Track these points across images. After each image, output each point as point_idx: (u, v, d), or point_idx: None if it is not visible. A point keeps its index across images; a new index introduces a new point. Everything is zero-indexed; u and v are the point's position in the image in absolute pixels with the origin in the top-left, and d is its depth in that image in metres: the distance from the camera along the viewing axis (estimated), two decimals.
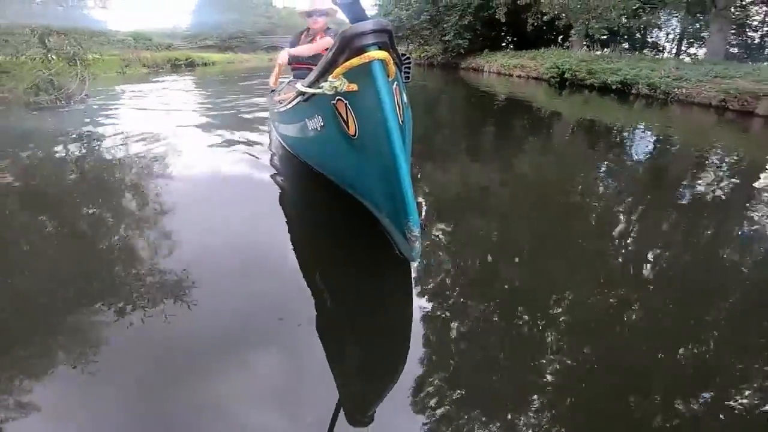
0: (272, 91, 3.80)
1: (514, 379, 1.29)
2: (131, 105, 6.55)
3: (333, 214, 2.37)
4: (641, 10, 10.34)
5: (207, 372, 1.25)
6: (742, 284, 1.97)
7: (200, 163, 3.45)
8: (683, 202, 2.99)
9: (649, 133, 5.59)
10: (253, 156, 3.47)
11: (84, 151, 3.82)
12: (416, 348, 1.40)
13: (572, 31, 11.66)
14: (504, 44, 18.22)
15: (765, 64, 7.18)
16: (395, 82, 1.49)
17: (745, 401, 1.23)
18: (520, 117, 6.81)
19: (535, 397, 1.21)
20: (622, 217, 2.68)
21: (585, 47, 13.27)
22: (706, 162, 4.13)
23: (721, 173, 3.72)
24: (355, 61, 1.36)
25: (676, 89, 8.12)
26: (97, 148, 3.90)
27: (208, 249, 1.99)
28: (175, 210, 2.45)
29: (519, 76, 13.10)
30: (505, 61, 14.29)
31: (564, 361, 1.36)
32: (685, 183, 3.46)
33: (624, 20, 10.34)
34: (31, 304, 1.61)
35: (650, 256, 2.16)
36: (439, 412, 1.16)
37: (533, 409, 1.18)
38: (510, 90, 10.44)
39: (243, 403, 1.17)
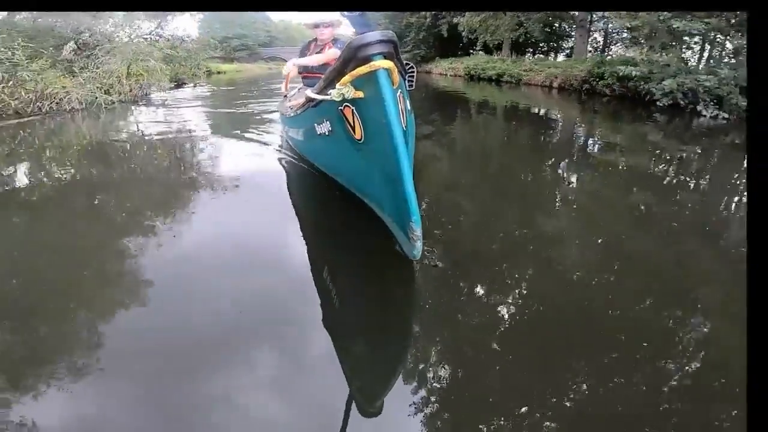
0: (284, 96, 4.12)
1: (515, 370, 1.30)
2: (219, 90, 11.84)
3: (338, 213, 2.46)
4: (520, 26, 15.48)
5: (221, 366, 1.29)
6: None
7: (222, 153, 3.92)
8: (513, 121, 7.42)
9: (505, 100, 10.63)
10: (265, 157, 3.72)
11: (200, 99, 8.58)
12: (420, 341, 1.47)
13: (478, 43, 16.97)
14: (460, 53, 23.30)
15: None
16: (399, 90, 1.56)
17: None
18: (444, 96, 11.86)
19: (540, 390, 1.22)
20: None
21: (512, 53, 18.37)
22: (524, 109, 9.09)
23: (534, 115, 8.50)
24: (362, 70, 1.43)
25: (524, 77, 13.28)
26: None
27: (213, 245, 2.06)
28: (180, 205, 2.60)
29: (451, 75, 18.42)
30: (445, 65, 19.57)
31: (577, 353, 1.38)
32: (516, 115, 8.08)
33: (508, 33, 15.53)
34: (28, 293, 1.71)
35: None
36: (441, 401, 1.21)
37: (537, 399, 1.19)
38: (443, 84, 15.61)
39: (255, 396, 1.22)
